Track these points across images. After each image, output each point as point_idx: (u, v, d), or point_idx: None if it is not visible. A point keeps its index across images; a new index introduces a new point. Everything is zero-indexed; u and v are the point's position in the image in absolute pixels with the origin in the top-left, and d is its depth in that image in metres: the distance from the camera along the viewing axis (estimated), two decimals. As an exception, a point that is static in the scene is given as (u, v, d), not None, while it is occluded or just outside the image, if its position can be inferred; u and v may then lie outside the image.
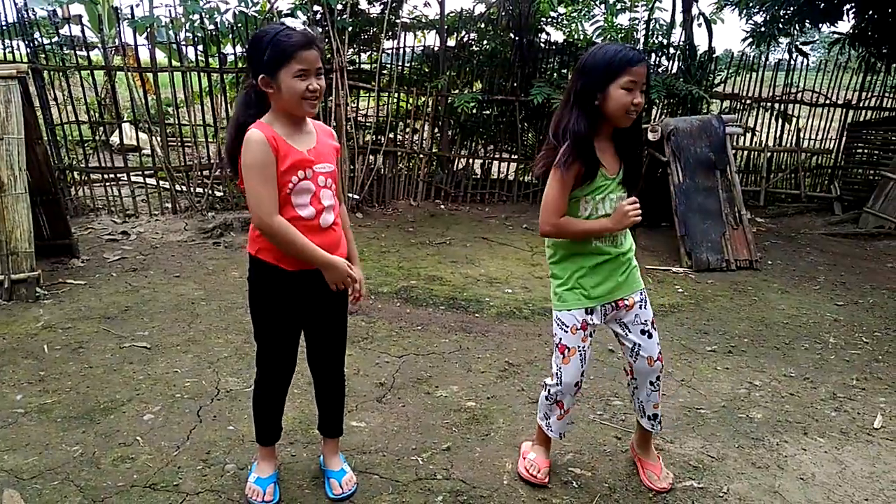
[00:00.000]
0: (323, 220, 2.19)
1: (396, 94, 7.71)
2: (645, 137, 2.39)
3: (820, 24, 8.46)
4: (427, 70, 8.19)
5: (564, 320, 2.44)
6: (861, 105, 8.78)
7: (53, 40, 6.66)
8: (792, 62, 8.48)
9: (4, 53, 6.31)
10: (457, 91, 7.92)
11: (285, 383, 2.43)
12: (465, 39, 8.43)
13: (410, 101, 7.88)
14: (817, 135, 8.80)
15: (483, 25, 8.46)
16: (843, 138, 8.76)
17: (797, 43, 8.69)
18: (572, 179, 2.27)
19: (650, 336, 2.47)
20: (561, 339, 2.46)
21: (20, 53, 6.36)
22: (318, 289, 2.24)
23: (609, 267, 2.39)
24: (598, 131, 2.29)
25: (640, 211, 2.31)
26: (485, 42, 8.25)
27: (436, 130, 8.05)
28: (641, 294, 2.48)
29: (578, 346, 2.45)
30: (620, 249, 2.41)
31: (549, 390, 2.54)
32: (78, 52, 6.58)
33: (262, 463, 2.49)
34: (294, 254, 2.13)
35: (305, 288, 2.23)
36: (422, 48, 8.40)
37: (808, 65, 8.64)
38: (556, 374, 2.49)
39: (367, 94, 7.90)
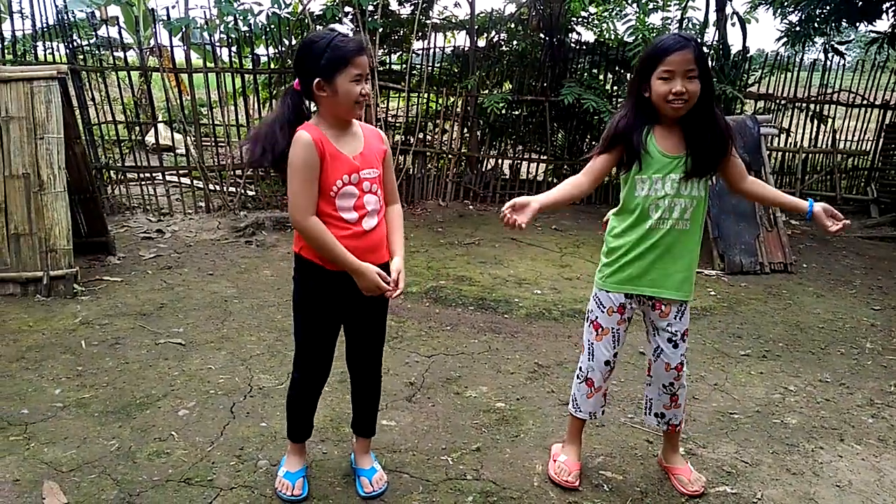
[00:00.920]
0: (366, 223, 2.21)
1: (426, 95, 7.72)
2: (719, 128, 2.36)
3: (857, 23, 8.28)
4: (457, 70, 8.20)
5: (602, 300, 2.46)
6: (899, 106, 8.60)
7: (91, 42, 6.80)
8: (828, 62, 8.34)
9: (45, 55, 6.45)
10: (486, 91, 7.91)
11: (321, 383, 2.46)
12: (495, 39, 8.42)
13: (440, 101, 7.89)
14: (854, 136, 8.65)
15: (513, 25, 8.44)
16: (881, 139, 8.59)
17: (833, 42, 8.52)
18: (606, 162, 2.37)
19: (676, 346, 2.46)
20: (597, 317, 2.48)
21: (60, 55, 6.50)
22: (358, 289, 2.27)
23: (659, 256, 2.36)
24: (658, 118, 2.30)
25: None
26: (515, 42, 8.24)
27: (465, 131, 8.06)
28: (681, 306, 2.44)
29: (612, 328, 2.46)
30: (677, 230, 2.35)
31: (580, 367, 2.57)
32: (115, 54, 6.71)
33: (292, 457, 2.52)
34: (325, 255, 2.16)
35: (346, 287, 2.25)
36: (451, 48, 8.42)
37: (844, 65, 8.49)
38: (588, 349, 2.52)
39: (397, 95, 7.93)
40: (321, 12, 7.02)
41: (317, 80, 2.08)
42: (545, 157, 8.19)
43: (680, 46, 2.17)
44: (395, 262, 2.35)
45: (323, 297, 2.26)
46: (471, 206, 7.61)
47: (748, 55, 7.94)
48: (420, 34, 7.66)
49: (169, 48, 6.96)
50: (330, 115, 2.16)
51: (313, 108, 2.24)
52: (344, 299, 2.29)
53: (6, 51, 6.23)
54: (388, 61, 8.20)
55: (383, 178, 2.31)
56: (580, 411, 2.60)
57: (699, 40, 2.22)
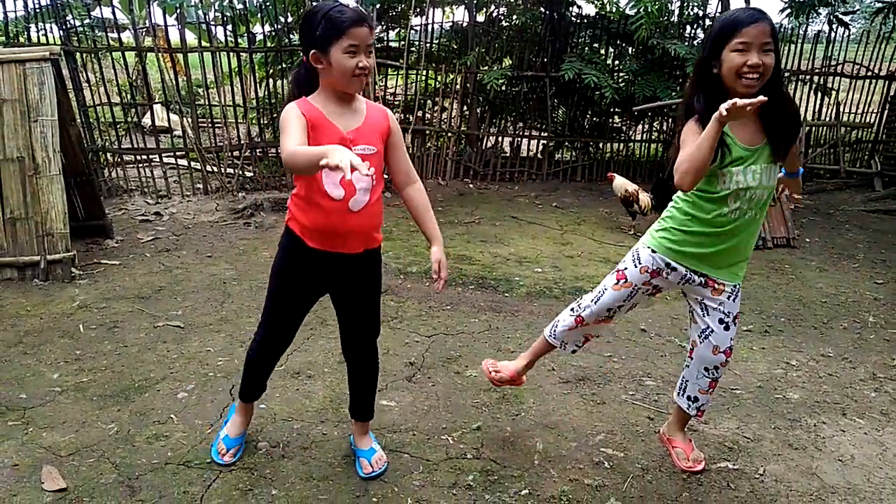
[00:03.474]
0: (353, 202, 2.14)
1: (425, 72, 7.64)
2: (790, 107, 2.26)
3: (862, -7, 8.17)
4: (455, 47, 8.11)
5: (641, 256, 2.40)
6: (905, 77, 8.48)
7: (85, 22, 6.71)
8: (832, 33, 8.22)
9: (38, 36, 6.37)
10: (486, 68, 7.82)
11: (284, 347, 2.47)
12: (495, 14, 8.32)
13: (439, 78, 7.81)
14: (858, 108, 8.54)
15: None
16: (885, 111, 8.48)
17: (837, 13, 8.39)
18: None
19: (727, 328, 2.37)
20: (626, 268, 2.42)
21: (53, 36, 6.43)
22: (341, 269, 2.24)
23: (726, 243, 2.28)
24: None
25: None
26: (514, 17, 8.12)
27: (464, 108, 7.98)
28: (735, 287, 2.36)
29: (635, 285, 2.40)
30: (749, 220, 2.25)
31: (579, 302, 2.55)
32: (109, 34, 6.63)
33: (237, 419, 2.57)
34: (305, 162, 1.86)
35: (327, 266, 2.23)
36: (450, 24, 8.31)
37: (848, 36, 8.36)
38: (599, 291, 2.49)
39: (396, 72, 7.85)
40: (317, -11, 6.92)
41: (313, 51, 2.05)
42: (546, 134, 8.12)
43: (756, 19, 2.06)
44: (434, 252, 2.28)
45: (298, 270, 2.25)
46: (471, 185, 7.56)
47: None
48: (418, 10, 7.56)
49: (164, 28, 6.88)
50: (329, 88, 2.12)
51: None
52: (324, 278, 2.27)
53: (-2, 33, 6.16)
54: (385, 38, 8.10)
55: (390, 157, 2.24)
56: (554, 337, 2.62)
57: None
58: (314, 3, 2.14)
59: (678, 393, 2.56)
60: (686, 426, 2.66)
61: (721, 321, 2.36)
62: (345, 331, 2.42)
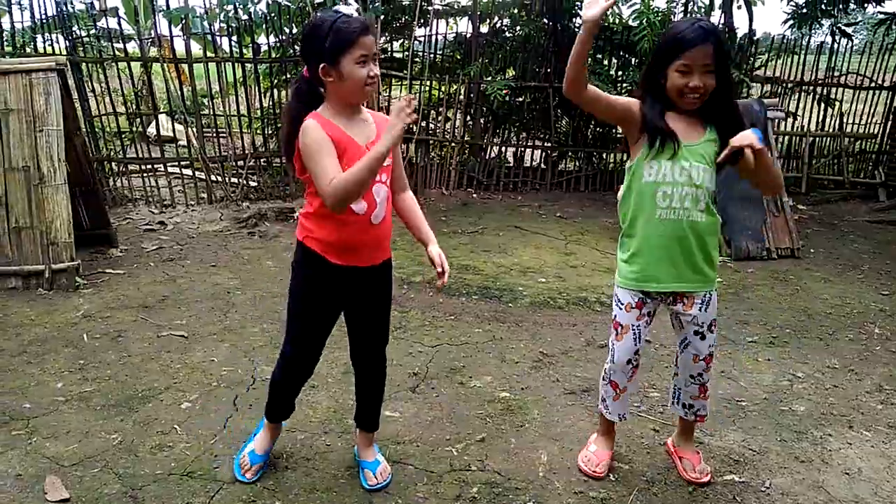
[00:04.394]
0: (374, 215, 2.16)
1: (428, 83, 7.66)
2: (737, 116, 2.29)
3: (865, 4, 8.18)
4: (459, 57, 8.13)
5: (620, 297, 2.42)
6: (908, 88, 8.47)
7: (91, 33, 6.75)
8: (835, 44, 8.23)
9: (44, 46, 6.41)
10: (489, 78, 7.83)
11: (313, 366, 2.43)
12: (498, 25, 8.33)
13: (443, 89, 7.83)
14: (861, 119, 8.54)
15: (516, 10, 8.36)
16: (889, 122, 8.47)
17: (840, 24, 8.41)
18: (629, 111, 2.28)
19: (703, 338, 2.39)
20: (616, 315, 2.44)
21: (59, 47, 6.46)
22: (360, 282, 2.25)
23: (674, 249, 2.29)
24: (672, 106, 2.23)
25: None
26: (518, 28, 8.15)
27: (468, 118, 8.00)
28: (705, 296, 2.36)
29: (632, 325, 2.40)
30: (690, 221, 2.27)
31: (605, 369, 2.54)
32: (115, 45, 6.66)
33: (265, 436, 2.52)
34: (361, 181, 1.95)
35: (348, 280, 2.23)
36: (454, 35, 8.34)
37: (851, 47, 8.38)
38: (610, 351, 2.49)
39: (400, 83, 7.86)
40: (322, 0, 6.96)
41: (322, 65, 2.02)
42: (549, 145, 8.12)
43: (701, 40, 2.10)
44: (433, 249, 2.31)
45: (322, 289, 2.24)
46: (474, 195, 7.56)
47: (754, 38, 7.83)
48: (422, 21, 7.59)
49: (169, 38, 6.91)
50: (338, 101, 2.09)
51: None
52: (344, 292, 2.27)
53: (5, 43, 6.19)
54: (389, 49, 8.12)
55: (392, 166, 2.25)
56: (609, 413, 2.57)
57: (718, 28, 2.18)
58: (316, 15, 2.11)
59: (672, 402, 2.60)
60: (693, 436, 2.65)
61: (696, 332, 2.40)
62: (355, 339, 2.42)
